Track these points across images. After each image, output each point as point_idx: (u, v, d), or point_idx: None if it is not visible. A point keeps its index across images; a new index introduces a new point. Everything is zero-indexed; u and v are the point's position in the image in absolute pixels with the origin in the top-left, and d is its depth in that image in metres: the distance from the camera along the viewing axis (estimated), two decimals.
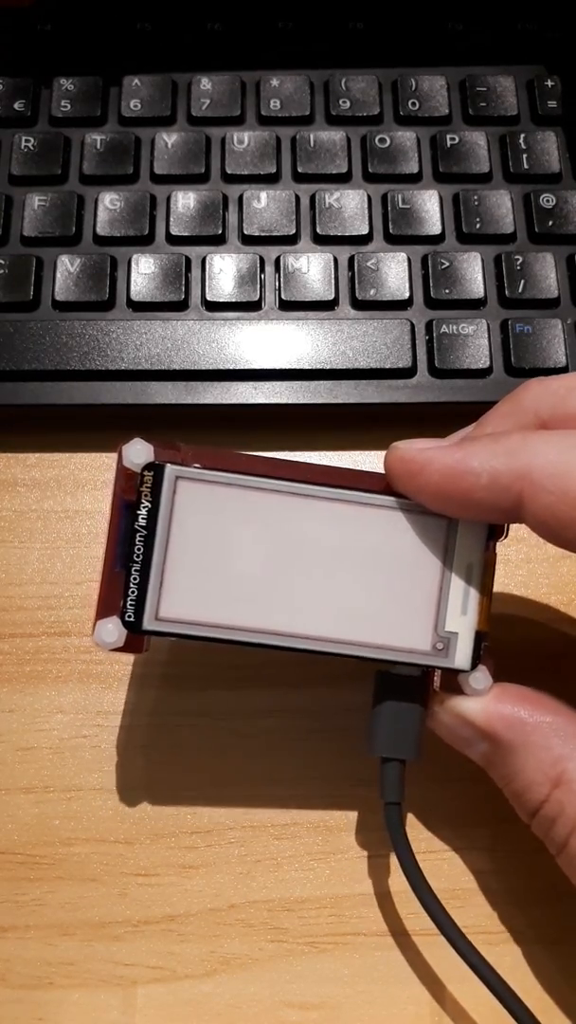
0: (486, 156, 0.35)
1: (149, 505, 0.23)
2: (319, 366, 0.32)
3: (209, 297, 0.33)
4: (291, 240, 0.34)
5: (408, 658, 0.23)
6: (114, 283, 0.33)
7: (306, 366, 0.32)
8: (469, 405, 0.31)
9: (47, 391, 0.32)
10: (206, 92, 0.36)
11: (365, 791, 0.28)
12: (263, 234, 0.34)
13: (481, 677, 0.23)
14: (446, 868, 0.27)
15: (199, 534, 0.23)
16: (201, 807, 0.28)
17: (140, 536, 0.23)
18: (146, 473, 0.23)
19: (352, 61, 0.37)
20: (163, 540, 0.23)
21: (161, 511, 0.23)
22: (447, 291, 0.33)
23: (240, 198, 0.34)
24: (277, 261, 0.33)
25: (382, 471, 0.24)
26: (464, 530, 0.23)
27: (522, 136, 0.35)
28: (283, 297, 0.33)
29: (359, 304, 0.33)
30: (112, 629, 0.23)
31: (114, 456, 0.23)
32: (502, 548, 0.30)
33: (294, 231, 0.34)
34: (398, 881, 0.27)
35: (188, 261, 0.33)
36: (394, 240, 0.34)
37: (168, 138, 0.35)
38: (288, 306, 0.33)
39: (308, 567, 0.23)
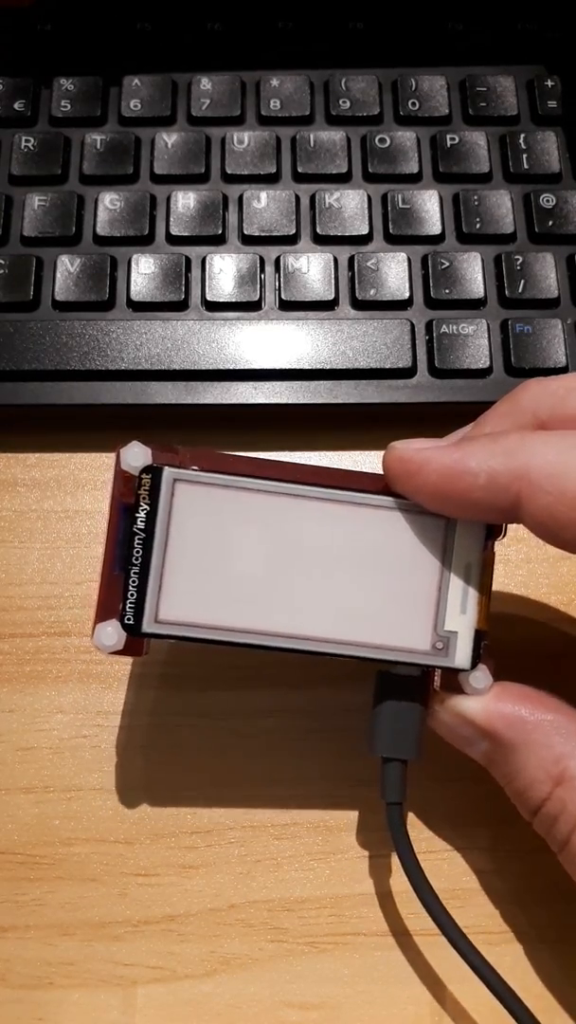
0: (486, 156, 0.35)
1: (147, 508, 0.23)
2: (319, 366, 0.32)
3: (209, 297, 0.33)
4: (291, 240, 0.34)
5: (408, 658, 0.23)
6: (114, 283, 0.33)
7: (306, 366, 0.32)
8: (469, 405, 0.31)
9: (47, 391, 0.32)
10: (206, 92, 0.36)
11: (365, 791, 0.28)
12: (263, 234, 0.34)
13: (481, 676, 0.23)
14: (446, 868, 0.27)
15: (198, 536, 0.23)
16: (201, 807, 0.28)
17: (139, 539, 0.23)
18: (144, 476, 0.23)
19: (352, 61, 0.37)
20: (162, 543, 0.23)
21: (159, 514, 0.23)
22: (447, 291, 0.33)
23: (240, 198, 0.34)
24: (277, 261, 0.33)
25: (381, 472, 0.24)
26: (462, 530, 0.23)
27: (522, 136, 0.35)
28: (283, 297, 0.33)
29: (359, 304, 0.33)
30: (111, 632, 0.23)
31: (114, 456, 0.23)
32: (502, 548, 0.30)
33: (294, 231, 0.34)
34: (398, 881, 0.27)
35: (188, 261, 0.33)
36: (394, 240, 0.34)
37: (168, 138, 0.35)
38: (288, 306, 0.33)
39: (307, 568, 0.23)
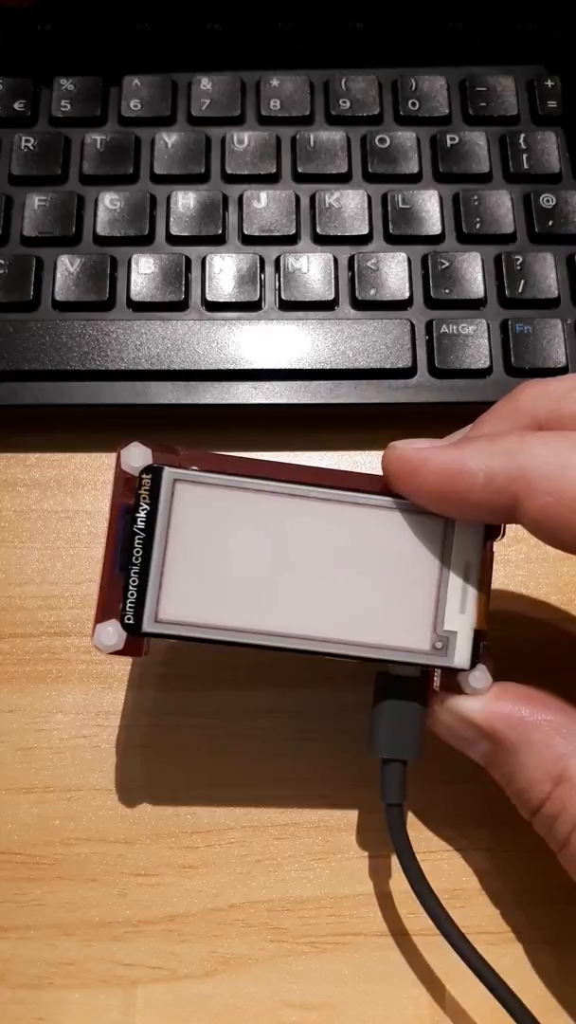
0: (486, 156, 0.35)
1: (148, 508, 0.23)
2: (319, 366, 0.32)
3: (209, 297, 0.33)
4: (291, 240, 0.34)
5: (407, 657, 0.23)
6: (114, 283, 0.33)
7: (306, 366, 0.32)
8: (469, 405, 0.31)
9: (47, 391, 0.32)
10: (206, 92, 0.36)
11: (365, 791, 0.28)
12: (263, 234, 0.34)
13: (481, 676, 0.23)
14: (446, 868, 0.27)
15: (197, 536, 0.23)
16: (201, 807, 0.28)
17: (139, 539, 0.23)
18: (144, 476, 0.23)
19: (352, 61, 0.37)
20: (162, 543, 0.23)
21: (159, 514, 0.23)
22: (447, 291, 0.33)
23: (240, 198, 0.34)
24: (277, 261, 0.33)
25: (380, 472, 0.24)
26: (461, 530, 0.23)
27: (522, 136, 0.35)
28: (283, 297, 0.33)
29: (359, 304, 0.33)
30: (112, 632, 0.23)
31: (114, 456, 0.23)
32: (502, 548, 0.30)
33: (294, 231, 0.34)
34: (399, 881, 0.27)
35: (188, 261, 0.33)
36: (394, 240, 0.34)
37: (168, 138, 0.35)
38: (288, 306, 0.33)
39: (307, 568, 0.23)
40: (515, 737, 0.23)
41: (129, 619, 0.23)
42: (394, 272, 0.33)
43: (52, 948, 0.27)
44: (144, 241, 0.34)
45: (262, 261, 0.33)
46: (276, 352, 0.32)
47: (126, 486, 0.23)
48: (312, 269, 0.33)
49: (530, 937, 0.27)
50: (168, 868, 0.27)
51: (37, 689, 0.29)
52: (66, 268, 0.33)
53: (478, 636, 0.23)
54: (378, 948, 0.27)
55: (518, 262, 0.33)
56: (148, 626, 0.23)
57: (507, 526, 0.24)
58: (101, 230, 0.34)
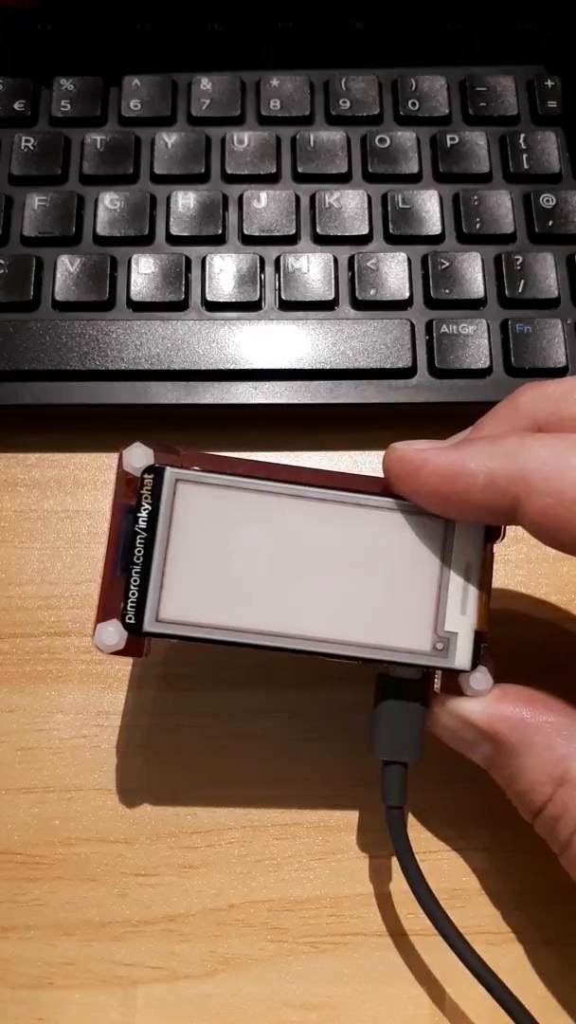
0: (486, 156, 0.35)
1: (149, 508, 0.23)
2: (319, 366, 0.32)
3: (209, 297, 0.33)
4: (291, 240, 0.34)
5: (408, 658, 0.23)
6: (114, 283, 0.33)
7: (306, 366, 0.32)
8: (469, 405, 0.31)
9: (47, 391, 0.32)
10: (206, 92, 0.36)
11: (365, 791, 0.28)
12: (263, 234, 0.34)
13: (481, 678, 0.23)
14: (446, 868, 0.27)
15: (199, 536, 0.23)
16: (201, 807, 0.28)
17: (140, 539, 0.23)
18: (146, 476, 0.23)
19: (352, 61, 0.37)
20: (163, 543, 0.23)
21: (161, 514, 0.23)
22: (447, 291, 0.33)
23: (240, 198, 0.34)
24: (277, 261, 0.33)
25: (381, 474, 0.24)
26: (462, 531, 0.23)
27: (522, 136, 0.35)
28: (283, 297, 0.33)
29: (359, 304, 0.33)
30: (113, 632, 0.23)
31: (114, 456, 0.23)
32: (502, 548, 0.30)
33: (294, 231, 0.34)
34: (399, 881, 0.27)
35: (188, 261, 0.33)
36: (394, 240, 0.34)
37: (168, 138, 0.35)
38: (288, 306, 0.33)
39: (307, 568, 0.23)
40: (516, 739, 0.23)
41: (130, 619, 0.23)
42: (394, 272, 0.33)
43: (52, 948, 0.27)
44: (144, 241, 0.34)
45: (262, 261, 0.33)
46: (276, 352, 0.32)
47: (128, 486, 0.23)
48: (312, 269, 0.33)
49: (530, 937, 0.27)
50: (168, 868, 0.27)
51: (37, 689, 0.29)
52: (66, 268, 0.33)
53: (479, 637, 0.23)
54: (378, 948, 0.27)
55: (518, 262, 0.33)
56: (149, 626, 0.23)
57: (507, 527, 0.24)
58: (101, 230, 0.34)
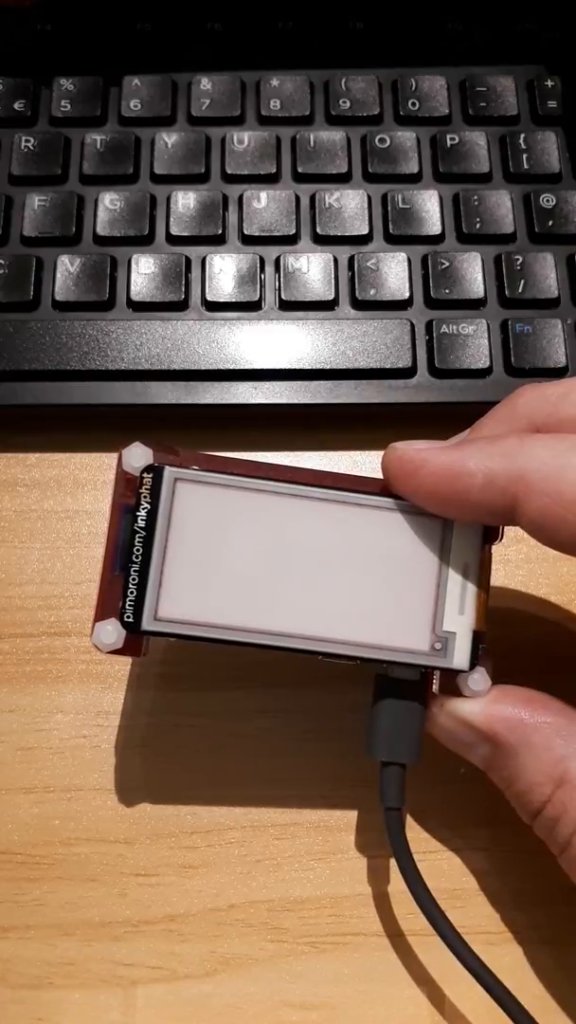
0: (486, 156, 0.35)
1: (148, 507, 0.23)
2: (319, 366, 0.32)
3: (209, 297, 0.33)
4: (291, 240, 0.34)
5: (406, 658, 0.23)
6: (114, 283, 0.33)
7: (306, 366, 0.32)
8: (469, 405, 0.31)
9: (47, 391, 0.32)
10: (206, 92, 0.36)
11: (365, 791, 0.28)
12: (263, 234, 0.34)
13: (480, 678, 0.23)
14: (446, 868, 0.27)
15: (198, 535, 0.23)
16: (201, 807, 0.28)
17: (139, 538, 0.23)
18: (145, 475, 0.23)
19: (352, 61, 0.37)
20: (162, 542, 0.23)
21: (160, 513, 0.23)
22: (447, 291, 0.33)
23: (240, 198, 0.34)
24: (277, 261, 0.33)
25: (380, 474, 0.24)
26: (460, 531, 0.23)
27: (522, 136, 0.35)
28: (283, 297, 0.33)
29: (359, 304, 0.33)
30: (111, 631, 0.23)
31: (114, 456, 0.23)
32: (502, 548, 0.30)
33: (294, 231, 0.34)
34: (398, 881, 0.27)
35: (188, 261, 0.33)
36: (394, 240, 0.34)
37: (168, 138, 0.35)
38: (288, 306, 0.33)
39: (306, 568, 0.23)
40: (515, 740, 0.23)
41: (128, 617, 0.23)
42: (394, 272, 0.33)
43: (52, 948, 0.27)
44: (144, 241, 0.34)
45: (262, 261, 0.33)
46: (276, 352, 0.32)
47: (127, 486, 0.23)
48: (312, 269, 0.33)
49: (529, 937, 0.27)
50: (168, 868, 0.27)
51: (37, 689, 0.29)
52: (66, 268, 0.33)
53: (477, 637, 0.23)
54: (378, 948, 0.27)
55: (518, 262, 0.33)
56: (147, 624, 0.23)
57: (506, 528, 0.24)
58: (101, 230, 0.34)
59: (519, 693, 0.23)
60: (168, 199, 0.34)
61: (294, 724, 0.29)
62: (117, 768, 0.29)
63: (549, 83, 0.36)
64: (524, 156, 0.35)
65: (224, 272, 0.33)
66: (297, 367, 0.32)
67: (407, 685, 0.24)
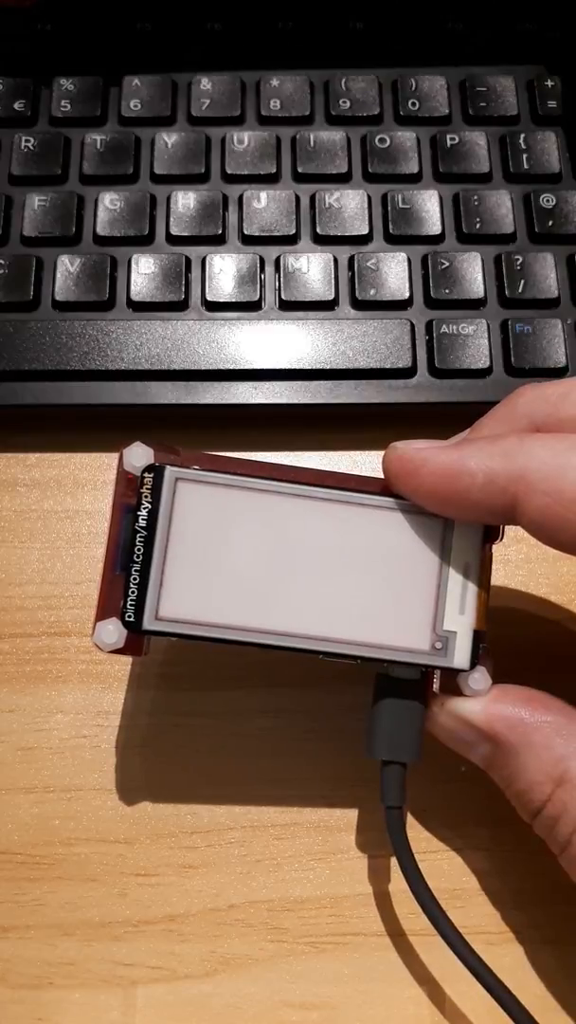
0: (486, 156, 0.35)
1: (149, 507, 0.23)
2: (319, 366, 0.32)
3: (209, 297, 0.33)
4: (291, 240, 0.34)
5: (407, 657, 0.23)
6: (114, 283, 0.33)
7: (306, 366, 0.32)
8: (469, 405, 0.31)
9: (47, 391, 0.32)
10: (206, 92, 0.36)
11: (365, 791, 0.28)
12: (263, 234, 0.34)
13: (480, 678, 0.23)
14: (446, 868, 0.27)
15: (199, 535, 0.23)
16: (201, 807, 0.28)
17: (140, 537, 0.23)
18: (146, 475, 0.23)
19: (352, 61, 0.37)
20: (163, 541, 0.23)
21: (161, 512, 0.23)
22: (447, 291, 0.33)
23: (240, 198, 0.34)
24: (277, 261, 0.33)
25: (381, 474, 0.24)
26: (461, 531, 0.23)
27: (522, 136, 0.35)
28: (283, 297, 0.33)
29: (359, 304, 0.33)
30: (112, 630, 0.23)
31: (114, 456, 0.23)
32: (502, 548, 0.30)
33: (294, 231, 0.34)
34: (398, 881, 0.27)
35: (188, 261, 0.33)
36: (394, 240, 0.34)
37: (168, 138, 0.35)
38: (288, 306, 0.33)
39: (307, 567, 0.23)
40: (515, 739, 0.23)
41: (130, 617, 0.23)
42: (394, 272, 0.33)
43: (52, 948, 0.27)
44: (144, 241, 0.34)
45: (262, 261, 0.33)
46: (276, 352, 0.32)
47: (128, 485, 0.23)
48: (312, 269, 0.33)
49: (529, 937, 0.27)
50: (168, 868, 0.27)
51: (37, 689, 0.29)
52: (66, 268, 0.33)
53: (477, 637, 0.23)
54: (378, 948, 0.27)
55: (518, 262, 0.33)
56: (148, 624, 0.23)
57: (506, 527, 0.24)
58: (101, 230, 0.34)
59: (519, 692, 0.23)
60: (168, 199, 0.34)
61: (295, 724, 0.29)
62: (117, 768, 0.28)
63: (549, 83, 0.36)
64: (524, 156, 0.35)
65: (224, 272, 0.33)
66: (297, 367, 0.32)
67: (408, 684, 0.24)
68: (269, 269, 0.33)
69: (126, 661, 0.30)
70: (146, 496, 0.23)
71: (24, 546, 0.31)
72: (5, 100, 0.36)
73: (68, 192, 0.34)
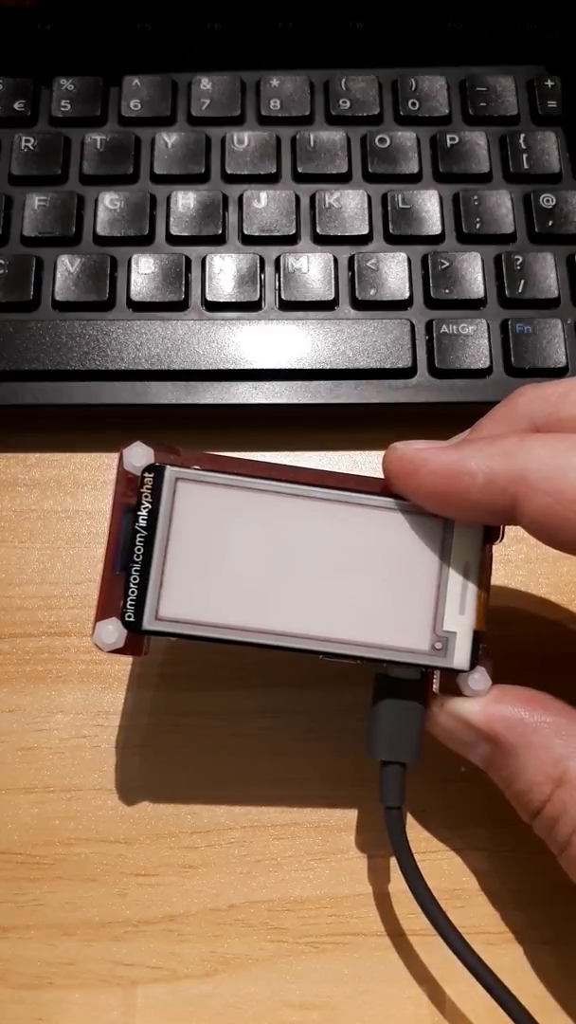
0: (486, 156, 0.35)
1: (149, 507, 0.23)
2: (319, 366, 0.32)
3: (209, 297, 0.33)
4: (291, 240, 0.34)
5: (407, 658, 0.23)
6: (114, 283, 0.33)
7: (306, 366, 0.32)
8: (469, 405, 0.31)
9: (47, 391, 0.32)
10: (206, 92, 0.36)
11: (365, 791, 0.28)
12: (263, 234, 0.34)
13: (480, 678, 0.23)
14: (446, 868, 0.27)
15: (199, 535, 0.23)
16: (201, 807, 0.28)
17: (140, 537, 0.23)
18: (146, 475, 0.23)
19: (352, 61, 0.37)
20: (163, 541, 0.23)
21: (161, 512, 0.23)
22: (447, 291, 0.33)
23: (240, 198, 0.34)
24: (277, 261, 0.33)
25: (381, 474, 0.24)
26: (461, 531, 0.23)
27: (522, 136, 0.35)
28: (283, 297, 0.33)
29: (359, 304, 0.33)
30: (112, 630, 0.23)
31: (114, 456, 0.23)
32: (502, 548, 0.30)
33: (294, 231, 0.34)
34: (398, 881, 0.27)
35: (188, 261, 0.33)
36: (394, 240, 0.34)
37: (168, 138, 0.35)
38: (288, 306, 0.33)
39: (307, 567, 0.23)
40: (515, 740, 0.23)
41: (130, 617, 0.23)
42: (394, 272, 0.33)
43: (52, 948, 0.27)
44: (144, 241, 0.34)
45: (262, 261, 0.33)
46: (276, 352, 0.32)
47: (128, 485, 0.23)
48: (312, 269, 0.33)
49: (529, 937, 0.27)
50: (168, 868, 0.27)
51: (37, 689, 0.29)
52: (66, 268, 0.33)
53: (477, 637, 0.23)
54: (378, 948, 0.27)
55: (518, 262, 0.33)
56: (148, 624, 0.23)
57: (506, 528, 0.24)
58: (101, 230, 0.34)
59: (519, 693, 0.23)
60: (168, 199, 0.34)
61: (294, 724, 0.29)
62: (117, 768, 0.28)
63: (549, 83, 0.36)
64: (524, 156, 0.35)
65: (224, 272, 0.33)
66: (297, 367, 0.32)
67: (407, 685, 0.24)
68: (269, 269, 0.33)
69: (126, 661, 0.30)
70: (146, 496, 0.23)
71: (24, 546, 0.31)
72: (5, 100, 0.36)
73: (68, 192, 0.34)
